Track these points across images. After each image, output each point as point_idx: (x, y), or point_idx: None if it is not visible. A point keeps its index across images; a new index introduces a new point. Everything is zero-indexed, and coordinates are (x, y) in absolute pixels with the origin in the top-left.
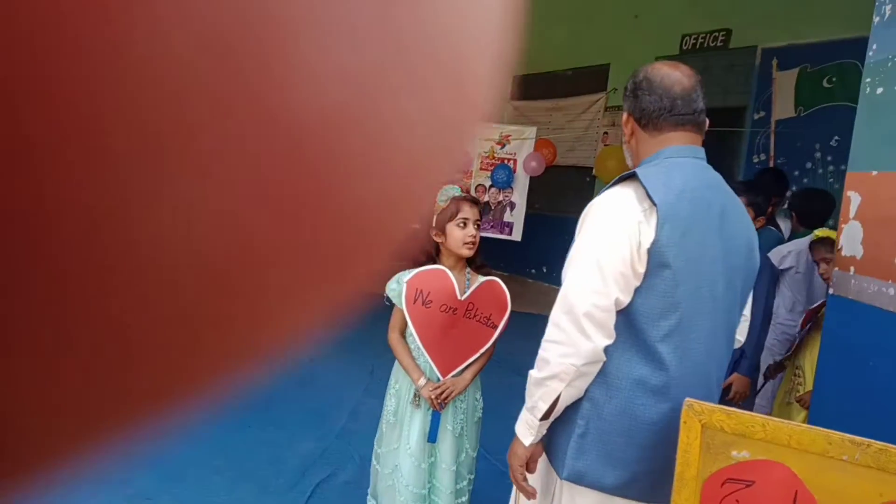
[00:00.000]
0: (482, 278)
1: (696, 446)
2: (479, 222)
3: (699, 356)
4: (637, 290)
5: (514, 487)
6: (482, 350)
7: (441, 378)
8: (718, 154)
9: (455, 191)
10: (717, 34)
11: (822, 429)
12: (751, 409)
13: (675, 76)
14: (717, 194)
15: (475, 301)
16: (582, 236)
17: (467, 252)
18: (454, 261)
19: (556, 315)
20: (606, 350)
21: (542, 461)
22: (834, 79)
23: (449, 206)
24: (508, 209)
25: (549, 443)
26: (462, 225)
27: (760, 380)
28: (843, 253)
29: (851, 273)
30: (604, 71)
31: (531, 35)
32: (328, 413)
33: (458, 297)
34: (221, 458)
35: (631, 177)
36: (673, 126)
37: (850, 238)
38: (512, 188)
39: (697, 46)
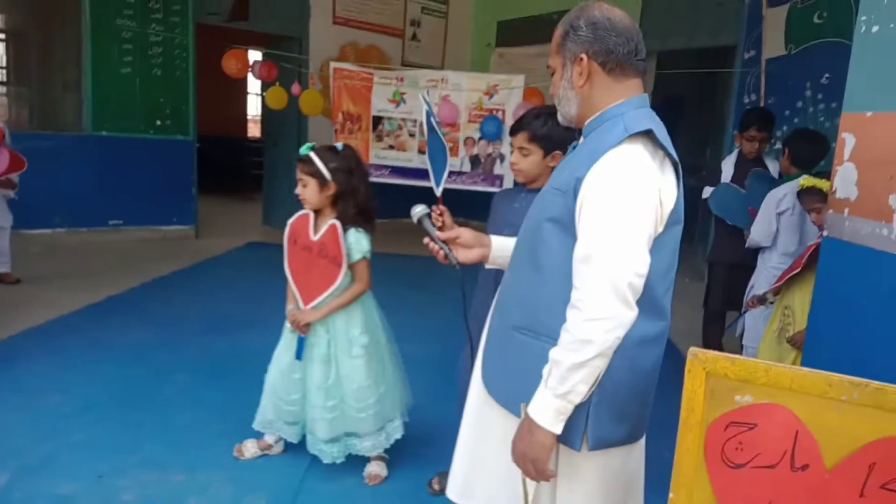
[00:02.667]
0: (330, 221)
1: (700, 393)
2: (303, 179)
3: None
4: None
5: (524, 479)
6: (333, 286)
7: (303, 307)
8: (709, 94)
9: (305, 149)
10: None
11: (822, 371)
12: (740, 351)
13: (628, 17)
14: None
15: (325, 242)
16: (605, 201)
17: (307, 206)
18: (326, 208)
19: (594, 290)
20: None
21: (504, 443)
22: (825, 14)
23: None
24: (498, 161)
25: None
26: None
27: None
28: (837, 195)
29: (846, 215)
30: None
31: None
32: None
33: (312, 238)
34: (226, 423)
35: (638, 133)
36: (636, 72)
37: (845, 180)
38: (501, 140)
39: None
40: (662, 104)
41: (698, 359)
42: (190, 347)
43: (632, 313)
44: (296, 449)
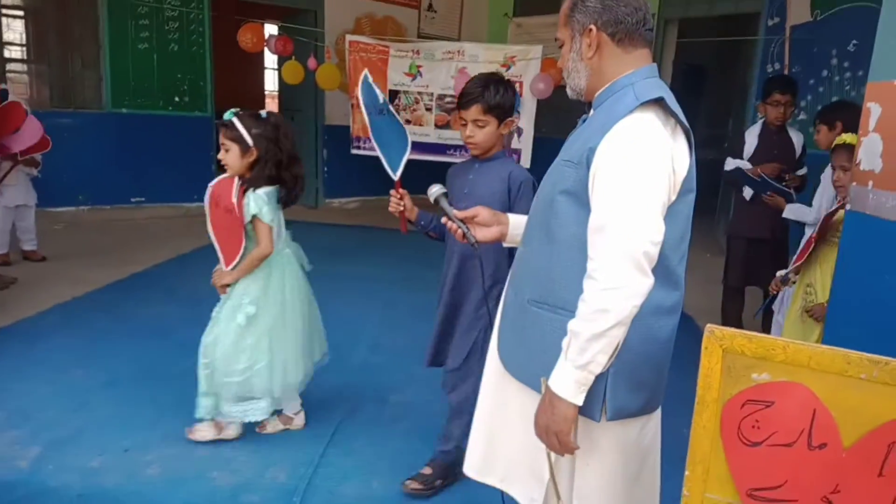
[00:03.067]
0: (237, 184)
1: (717, 370)
2: (225, 144)
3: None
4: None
5: (548, 453)
6: (242, 247)
7: (224, 268)
8: (731, 63)
9: (228, 115)
10: None
11: (841, 349)
12: (761, 329)
13: None
14: None
15: (240, 204)
16: (618, 170)
17: (229, 171)
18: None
19: (610, 259)
20: None
21: (525, 416)
22: None
23: None
24: (516, 135)
25: None
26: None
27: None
28: (861, 167)
29: (869, 187)
30: None
31: None
32: (347, 348)
33: (233, 200)
34: None
35: (649, 102)
36: (644, 42)
37: (869, 151)
38: (518, 113)
39: None
40: (683, 73)
41: (715, 335)
42: None
43: (648, 281)
44: (316, 424)
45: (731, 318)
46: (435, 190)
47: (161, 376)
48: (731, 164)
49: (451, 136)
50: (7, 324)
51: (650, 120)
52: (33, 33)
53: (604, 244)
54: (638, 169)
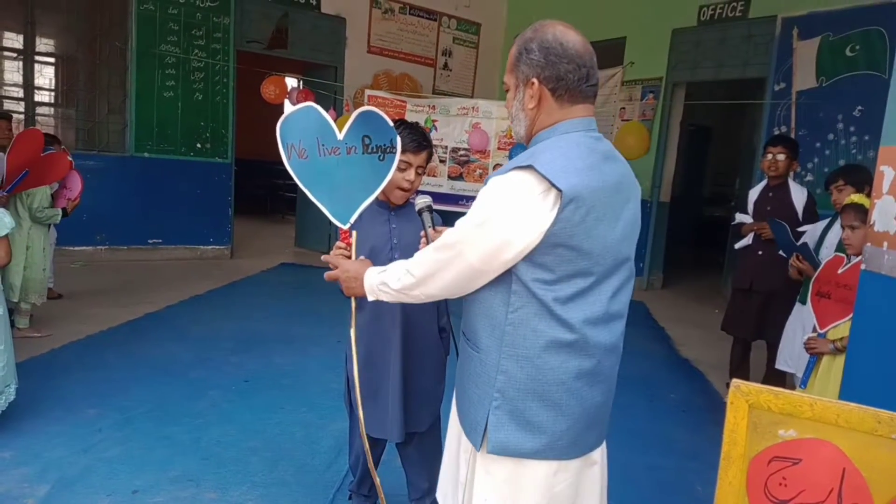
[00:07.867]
0: None
1: (742, 426)
2: None
3: (601, 315)
4: (532, 265)
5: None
6: None
7: None
8: (739, 127)
9: None
10: (735, 4)
11: (871, 408)
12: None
13: (581, 41)
14: (612, 165)
15: None
16: (480, 203)
17: None
18: None
19: (444, 247)
20: (510, 320)
21: (453, 435)
22: (858, 47)
23: None
24: None
25: (465, 418)
26: None
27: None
28: (875, 228)
29: (884, 248)
30: (620, 45)
31: (546, 8)
32: None
33: None
34: (258, 439)
35: (528, 167)
36: (583, 97)
37: (884, 213)
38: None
39: (716, 17)
40: (691, 134)
41: (741, 390)
42: (223, 364)
43: (438, 286)
44: (326, 470)
45: (733, 365)
46: (422, 201)
47: (173, 417)
48: (738, 218)
49: (462, 188)
50: (20, 360)
51: (520, 180)
52: (63, 79)
53: (442, 239)
54: (490, 208)
